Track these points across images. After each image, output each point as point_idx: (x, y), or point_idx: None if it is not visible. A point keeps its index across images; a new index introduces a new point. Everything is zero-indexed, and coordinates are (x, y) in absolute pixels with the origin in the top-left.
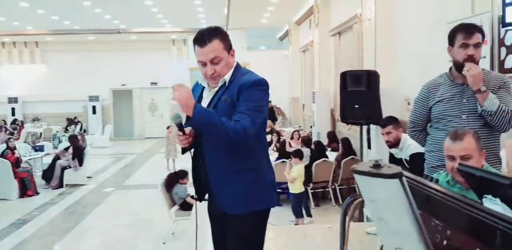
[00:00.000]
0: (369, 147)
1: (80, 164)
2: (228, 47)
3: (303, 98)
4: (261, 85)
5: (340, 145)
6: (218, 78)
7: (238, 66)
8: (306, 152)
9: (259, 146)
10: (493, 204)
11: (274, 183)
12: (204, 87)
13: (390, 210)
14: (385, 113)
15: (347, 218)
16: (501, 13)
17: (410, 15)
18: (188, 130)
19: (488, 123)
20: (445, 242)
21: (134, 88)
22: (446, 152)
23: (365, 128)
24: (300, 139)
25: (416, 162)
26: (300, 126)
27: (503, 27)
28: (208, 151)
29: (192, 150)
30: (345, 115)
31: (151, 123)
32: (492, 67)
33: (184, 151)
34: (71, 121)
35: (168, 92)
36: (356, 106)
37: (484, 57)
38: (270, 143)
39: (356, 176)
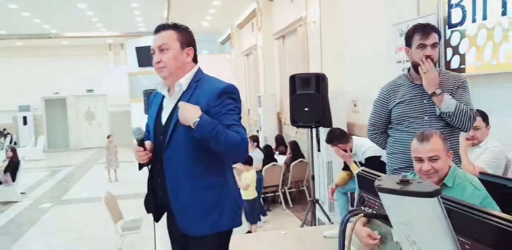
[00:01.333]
0: (318, 150)
1: (13, 179)
2: (184, 42)
3: (248, 103)
4: (232, 93)
5: (288, 148)
6: (164, 70)
7: (199, 72)
8: (260, 154)
9: (224, 161)
10: None
11: (239, 201)
12: (164, 96)
13: (426, 232)
14: (333, 115)
15: (347, 236)
16: (447, 15)
17: (355, 17)
18: (148, 144)
19: (449, 124)
20: None
21: (69, 96)
22: (414, 154)
23: (314, 130)
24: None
25: (371, 165)
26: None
27: (448, 28)
28: (170, 167)
29: (149, 166)
30: (295, 119)
31: (88, 133)
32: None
33: (141, 166)
34: (0, 134)
35: (105, 99)
36: (306, 109)
37: None
38: None
39: (381, 195)
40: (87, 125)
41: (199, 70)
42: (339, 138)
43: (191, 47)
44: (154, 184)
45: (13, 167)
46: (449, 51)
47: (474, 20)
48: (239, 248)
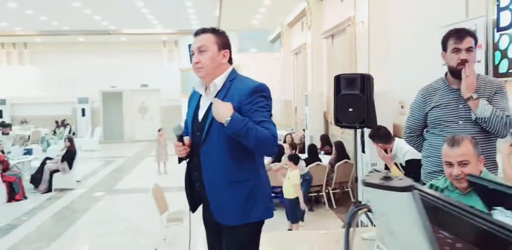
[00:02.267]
0: (363, 151)
1: (70, 167)
2: (221, 44)
3: (295, 101)
4: (264, 92)
5: (333, 148)
6: (201, 71)
7: (234, 72)
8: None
9: (257, 156)
10: (504, 216)
11: (271, 194)
12: (201, 95)
13: (402, 224)
14: (379, 117)
15: (351, 229)
16: (496, 17)
17: (403, 18)
18: (186, 140)
19: (484, 129)
20: None
21: (124, 90)
22: (444, 158)
23: (359, 131)
24: (288, 143)
25: (411, 168)
26: (292, 129)
27: (497, 31)
28: (206, 161)
29: (187, 160)
30: (339, 119)
31: (141, 126)
32: (486, 72)
33: (180, 160)
34: (60, 124)
35: (158, 94)
36: (350, 109)
37: (479, 61)
38: None
39: (365, 189)
40: (141, 118)
41: (233, 71)
42: (381, 136)
43: (227, 50)
44: (191, 177)
45: (70, 156)
46: (498, 55)
47: None
48: (276, 244)
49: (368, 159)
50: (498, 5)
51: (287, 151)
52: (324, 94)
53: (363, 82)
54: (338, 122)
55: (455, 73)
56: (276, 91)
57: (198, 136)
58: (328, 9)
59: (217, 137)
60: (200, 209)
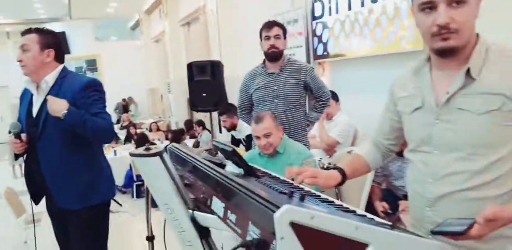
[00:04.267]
0: (220, 131)
1: None
2: (44, 44)
3: (160, 89)
4: (96, 86)
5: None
6: (24, 69)
7: (65, 70)
8: (207, 136)
9: (94, 145)
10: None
11: (112, 177)
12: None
13: (156, 178)
14: (231, 100)
15: None
16: (311, 8)
17: (248, 7)
18: (24, 137)
19: (295, 104)
20: (202, 196)
21: None
22: (253, 133)
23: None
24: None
25: (250, 141)
26: (160, 117)
27: (313, 20)
28: (44, 154)
29: (25, 156)
30: (195, 104)
31: None
32: (308, 55)
33: (17, 157)
34: None
35: (6, 91)
36: (204, 94)
37: (301, 46)
38: (131, 135)
39: (133, 159)
40: None
41: (64, 68)
42: (226, 110)
43: (51, 49)
44: (31, 170)
45: None
46: (316, 40)
47: (330, 14)
48: None
49: (225, 138)
50: None
51: (156, 138)
52: (186, 81)
53: (213, 69)
54: (194, 107)
55: (268, 57)
56: (141, 79)
57: (34, 131)
58: None
59: (52, 131)
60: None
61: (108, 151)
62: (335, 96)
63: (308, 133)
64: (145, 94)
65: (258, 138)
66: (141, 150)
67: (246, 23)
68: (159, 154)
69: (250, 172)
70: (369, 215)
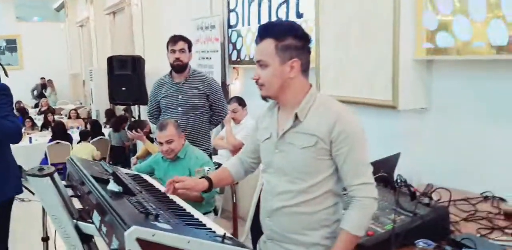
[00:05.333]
0: None
1: None
2: None
3: (83, 75)
4: (3, 90)
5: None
6: None
7: None
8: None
9: (3, 145)
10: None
11: (19, 173)
12: None
13: (48, 196)
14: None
15: None
16: (227, 17)
17: (171, 8)
18: None
19: (197, 112)
20: (87, 208)
21: None
22: (157, 139)
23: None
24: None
25: None
26: (81, 103)
27: (228, 28)
28: None
29: None
30: (114, 97)
31: None
32: (223, 60)
33: None
34: None
35: None
36: (123, 88)
37: (217, 51)
38: (48, 122)
39: (29, 178)
40: None
41: None
42: (137, 125)
43: None
44: None
45: None
46: (231, 46)
47: (243, 24)
48: None
49: None
50: (228, 7)
51: (75, 126)
52: None
53: (134, 64)
54: (113, 100)
55: (173, 68)
56: (63, 64)
57: None
58: None
59: None
60: None
61: (23, 138)
62: (242, 102)
63: (211, 138)
64: (67, 79)
65: (161, 143)
66: (35, 170)
67: (168, 22)
68: (49, 175)
69: (127, 190)
70: (215, 229)
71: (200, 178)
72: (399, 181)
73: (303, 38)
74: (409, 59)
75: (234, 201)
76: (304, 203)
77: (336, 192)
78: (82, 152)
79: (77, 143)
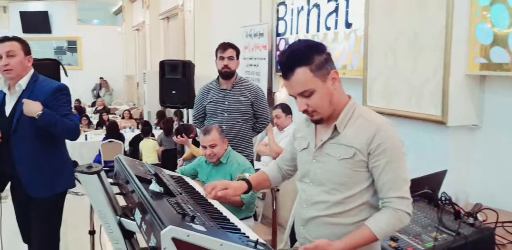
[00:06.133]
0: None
1: None
2: (26, 51)
3: (137, 77)
4: (64, 90)
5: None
6: (11, 73)
7: (35, 75)
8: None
9: (61, 141)
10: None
11: (72, 168)
12: (5, 93)
13: (94, 192)
14: None
15: None
16: (276, 25)
17: (222, 15)
18: None
19: (242, 119)
20: (130, 205)
21: None
22: (201, 143)
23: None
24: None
25: None
26: (134, 104)
27: (277, 36)
28: (16, 148)
29: None
30: (164, 100)
31: None
32: (270, 67)
33: None
34: None
35: None
36: (174, 92)
37: (264, 58)
38: (103, 121)
39: (78, 175)
40: None
41: (35, 73)
42: (184, 130)
43: (30, 55)
44: (1, 162)
45: None
46: (278, 54)
47: (291, 33)
48: None
49: None
50: (277, 15)
51: (128, 126)
52: None
53: (184, 68)
54: (163, 103)
55: (221, 75)
56: (119, 65)
57: (7, 129)
58: None
59: (25, 128)
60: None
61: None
62: (287, 109)
63: (253, 145)
64: (122, 80)
65: (204, 147)
66: (84, 167)
67: (218, 28)
68: (97, 173)
69: (168, 191)
70: (249, 234)
71: (239, 180)
72: (443, 198)
73: (322, 49)
74: (461, 73)
75: (274, 208)
76: (340, 214)
77: (373, 204)
78: (149, 146)
79: (139, 137)
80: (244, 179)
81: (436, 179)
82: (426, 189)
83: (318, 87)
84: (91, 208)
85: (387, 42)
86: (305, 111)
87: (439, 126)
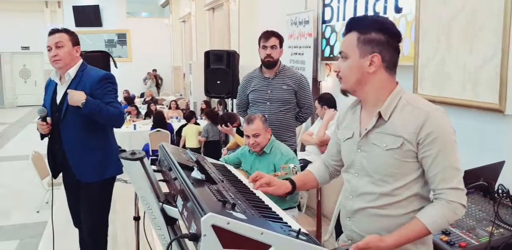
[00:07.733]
0: None
1: None
2: (74, 42)
3: (183, 68)
4: (110, 79)
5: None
6: (59, 62)
7: (84, 65)
8: None
9: (107, 128)
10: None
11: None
12: (57, 83)
13: (137, 178)
14: None
15: None
16: (321, 12)
17: (267, 2)
18: (49, 120)
19: (285, 107)
20: (172, 192)
21: (3, 52)
22: (244, 132)
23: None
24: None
25: None
26: (181, 95)
27: (323, 23)
28: (66, 135)
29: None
30: (209, 90)
31: (24, 91)
32: (315, 56)
33: (43, 137)
34: None
35: (41, 57)
36: (218, 82)
37: (310, 47)
38: (151, 111)
39: (122, 161)
40: (23, 82)
41: (83, 63)
42: (228, 119)
43: (78, 46)
44: (53, 149)
45: None
46: (324, 42)
47: (338, 19)
48: None
49: None
50: (323, 2)
51: (175, 116)
52: None
53: (229, 58)
54: (208, 93)
55: (263, 64)
56: (167, 57)
57: (57, 116)
58: None
59: (73, 116)
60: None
61: (128, 125)
62: (323, 100)
63: (296, 135)
64: (170, 71)
65: (247, 136)
66: (128, 154)
67: (263, 17)
68: (140, 159)
69: (209, 178)
70: (291, 224)
71: (284, 179)
72: (500, 191)
73: (388, 33)
74: None
75: (319, 198)
76: (389, 205)
77: (423, 195)
78: (192, 130)
79: (184, 125)
80: (288, 179)
81: (493, 170)
82: (481, 181)
83: (352, 58)
84: (136, 194)
85: (441, 25)
86: (337, 75)
87: (496, 114)
